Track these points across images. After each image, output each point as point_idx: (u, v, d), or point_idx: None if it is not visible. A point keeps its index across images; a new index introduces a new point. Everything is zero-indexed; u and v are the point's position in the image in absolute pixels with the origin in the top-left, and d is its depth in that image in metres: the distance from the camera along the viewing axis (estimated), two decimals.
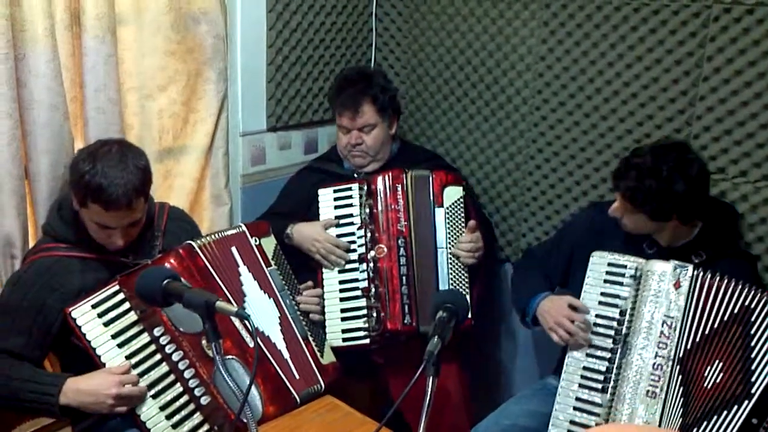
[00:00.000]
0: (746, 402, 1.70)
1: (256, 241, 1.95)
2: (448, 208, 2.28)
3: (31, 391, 1.67)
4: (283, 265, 2.02)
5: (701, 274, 1.78)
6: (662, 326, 1.79)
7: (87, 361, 1.72)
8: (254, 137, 2.54)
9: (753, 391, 1.69)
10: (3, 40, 1.76)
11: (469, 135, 2.65)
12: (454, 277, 2.25)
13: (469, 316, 2.22)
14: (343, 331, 2.18)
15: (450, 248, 2.25)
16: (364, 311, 2.19)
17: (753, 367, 1.71)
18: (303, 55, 2.59)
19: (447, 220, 2.27)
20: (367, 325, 2.18)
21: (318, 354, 1.94)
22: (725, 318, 1.75)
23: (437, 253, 2.26)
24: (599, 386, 1.85)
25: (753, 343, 1.72)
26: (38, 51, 1.84)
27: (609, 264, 1.90)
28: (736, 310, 1.74)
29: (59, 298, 1.75)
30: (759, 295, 1.74)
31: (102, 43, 1.97)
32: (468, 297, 2.25)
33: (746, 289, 1.74)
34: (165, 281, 1.44)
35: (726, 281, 1.76)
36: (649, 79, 2.18)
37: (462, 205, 2.31)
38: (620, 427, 1.66)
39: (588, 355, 1.88)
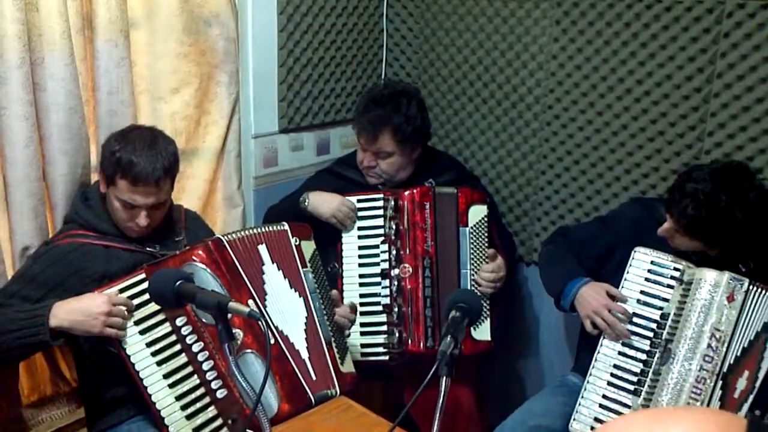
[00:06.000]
0: (750, 396, 1.70)
1: (296, 241, 1.95)
2: (472, 228, 2.25)
3: (21, 320, 1.65)
4: (319, 271, 2.01)
5: (755, 288, 1.74)
6: (710, 339, 1.73)
7: (101, 350, 1.72)
8: (266, 139, 2.55)
9: (756, 384, 1.70)
10: (19, 44, 1.78)
11: (481, 135, 2.64)
12: None
13: (489, 338, 2.21)
14: (362, 346, 2.16)
15: (473, 270, 2.23)
16: (385, 327, 2.17)
17: (761, 364, 1.71)
18: (314, 57, 2.60)
19: (471, 241, 2.24)
20: (387, 342, 2.16)
21: (339, 361, 1.93)
22: (759, 329, 1.73)
23: (460, 274, 2.23)
24: (631, 387, 1.80)
25: (764, 346, 1.72)
26: (56, 55, 1.86)
27: (653, 263, 1.84)
28: (766, 319, 1.73)
29: (79, 281, 1.76)
30: None
31: (114, 46, 1.99)
32: (488, 320, 2.23)
33: None
34: (177, 283, 1.45)
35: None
36: (663, 76, 2.17)
37: (486, 224, 2.29)
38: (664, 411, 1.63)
39: (621, 353, 1.83)
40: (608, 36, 2.25)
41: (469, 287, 2.22)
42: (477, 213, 2.28)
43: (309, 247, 2.00)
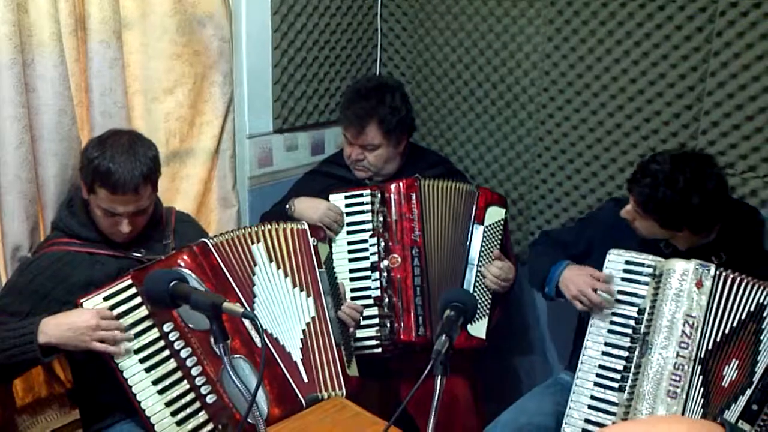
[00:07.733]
0: (748, 390, 1.71)
1: (314, 241, 1.97)
2: (487, 227, 2.28)
3: (10, 338, 1.65)
4: (332, 273, 2.02)
5: (723, 273, 1.76)
6: (683, 326, 1.77)
7: (93, 355, 1.71)
8: (261, 139, 2.55)
9: (754, 379, 1.70)
10: (10, 45, 1.77)
11: (476, 134, 2.65)
12: (478, 295, 2.24)
13: (484, 336, 2.22)
14: (355, 339, 2.16)
15: (480, 267, 2.25)
16: (376, 320, 2.18)
17: (757, 358, 1.72)
18: (308, 57, 2.60)
19: (484, 239, 2.27)
20: (379, 334, 2.18)
21: (346, 363, 1.94)
22: (743, 317, 1.74)
23: (467, 268, 2.25)
24: (616, 385, 1.83)
25: (762, 337, 1.72)
26: (46, 56, 1.85)
27: (627, 262, 1.88)
28: (752, 308, 1.74)
29: (65, 290, 1.75)
30: None
31: (107, 47, 1.98)
32: (486, 319, 2.24)
33: (762, 287, 1.74)
34: (172, 283, 1.44)
35: (745, 280, 1.75)
36: (656, 75, 2.17)
37: (502, 227, 2.31)
38: (637, 422, 1.63)
39: (604, 353, 1.86)
40: (602, 35, 2.26)
41: (473, 283, 2.24)
42: (494, 214, 2.30)
43: (324, 249, 2.02)
